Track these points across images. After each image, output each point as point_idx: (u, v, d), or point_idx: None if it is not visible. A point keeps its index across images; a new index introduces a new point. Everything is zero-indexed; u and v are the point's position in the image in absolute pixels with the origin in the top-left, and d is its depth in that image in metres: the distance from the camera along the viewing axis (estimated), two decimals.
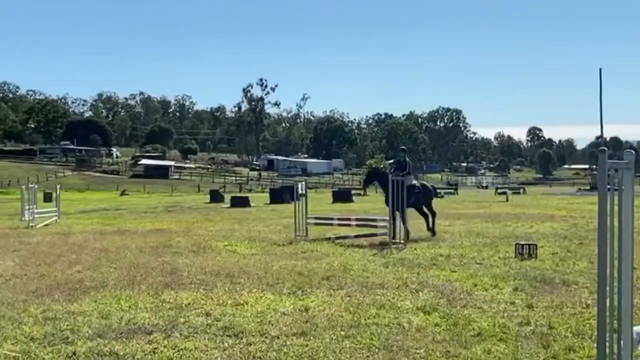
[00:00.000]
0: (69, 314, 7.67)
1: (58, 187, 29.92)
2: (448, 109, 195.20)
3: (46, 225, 23.85)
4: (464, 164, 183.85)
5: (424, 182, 20.01)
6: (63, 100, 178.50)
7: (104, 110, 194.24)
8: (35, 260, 13.06)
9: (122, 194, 71.30)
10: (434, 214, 18.10)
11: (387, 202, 16.69)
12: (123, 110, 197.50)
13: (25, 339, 6.48)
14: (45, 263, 12.52)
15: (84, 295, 8.93)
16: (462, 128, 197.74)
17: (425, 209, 18.16)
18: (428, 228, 17.79)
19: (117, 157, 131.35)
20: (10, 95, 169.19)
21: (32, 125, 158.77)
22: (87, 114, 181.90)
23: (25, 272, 11.36)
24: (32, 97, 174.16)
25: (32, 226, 22.60)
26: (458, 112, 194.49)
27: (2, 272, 11.33)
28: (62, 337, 6.63)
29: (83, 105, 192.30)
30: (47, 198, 39.54)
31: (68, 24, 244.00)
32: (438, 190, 37.80)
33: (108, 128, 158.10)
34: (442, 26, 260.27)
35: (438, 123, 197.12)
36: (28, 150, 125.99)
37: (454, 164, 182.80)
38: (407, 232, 16.28)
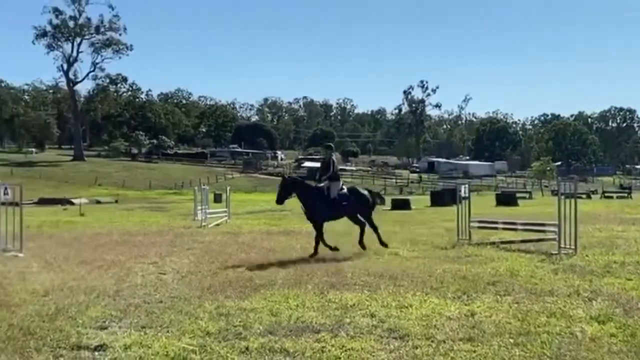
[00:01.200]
0: (241, 311, 8.00)
1: (228, 188, 31.36)
2: (621, 109, 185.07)
3: (217, 225, 25.05)
4: (639, 166, 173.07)
5: (357, 188, 16.05)
6: (232, 106, 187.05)
7: (269, 115, 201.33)
8: (208, 258, 13.74)
9: None
10: (374, 228, 15.05)
11: (311, 218, 14.49)
12: (287, 115, 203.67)
13: (202, 334, 6.83)
14: (217, 261, 13.14)
15: (254, 293, 9.27)
16: (637, 128, 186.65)
17: (360, 219, 15.00)
18: (360, 241, 14.83)
19: (281, 159, 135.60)
20: (184, 102, 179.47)
21: (204, 130, 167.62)
22: (254, 119, 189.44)
23: (199, 269, 11.99)
24: (203, 103, 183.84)
25: (204, 226, 23.81)
26: (632, 111, 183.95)
27: (178, 269, 12.02)
28: (235, 332, 6.92)
29: (250, 109, 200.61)
30: (217, 199, 41.48)
31: (234, 27, 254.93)
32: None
33: (273, 132, 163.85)
34: (607, 26, 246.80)
35: (610, 123, 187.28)
36: (200, 154, 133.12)
37: (627, 166, 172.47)
38: (331, 248, 14.26)
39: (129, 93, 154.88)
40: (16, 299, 8.60)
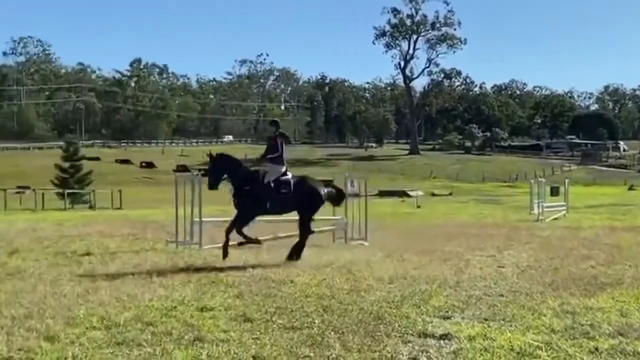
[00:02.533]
0: (586, 309, 7.58)
1: (566, 181, 30.10)
2: None
3: (555, 219, 24.19)
4: None
5: (309, 180, 12.70)
6: (569, 95, 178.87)
7: (610, 103, 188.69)
8: (547, 253, 13.29)
9: (630, 188, 68.19)
10: (302, 232, 12.11)
11: (240, 200, 11.80)
12: (631, 102, 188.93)
13: (547, 330, 6.60)
14: (558, 256, 12.64)
15: (600, 291, 8.73)
16: None
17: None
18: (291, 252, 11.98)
19: (624, 150, 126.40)
20: (518, 92, 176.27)
21: (539, 121, 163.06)
22: (593, 107, 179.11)
23: (540, 264, 11.64)
24: (538, 93, 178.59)
25: (541, 219, 23.14)
26: None
27: (517, 263, 11.81)
28: (582, 331, 6.58)
29: (589, 98, 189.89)
30: (554, 192, 40.06)
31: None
32: None
33: (614, 121, 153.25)
34: None
35: None
36: (534, 146, 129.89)
37: None
38: (252, 241, 12.12)
39: (463, 86, 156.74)
40: (364, 285, 9.16)
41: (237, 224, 11.75)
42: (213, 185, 11.78)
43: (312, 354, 5.83)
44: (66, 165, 58.18)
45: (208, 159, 12.02)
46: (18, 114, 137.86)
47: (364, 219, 16.31)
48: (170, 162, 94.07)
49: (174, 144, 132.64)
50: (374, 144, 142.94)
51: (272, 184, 11.74)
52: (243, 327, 6.74)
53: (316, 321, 6.97)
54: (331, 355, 5.81)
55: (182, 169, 77.11)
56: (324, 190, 12.37)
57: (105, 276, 9.87)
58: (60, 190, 50.39)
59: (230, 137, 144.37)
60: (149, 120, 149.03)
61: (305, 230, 12.11)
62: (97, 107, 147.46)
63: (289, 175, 12.15)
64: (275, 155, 12.05)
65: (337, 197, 13.24)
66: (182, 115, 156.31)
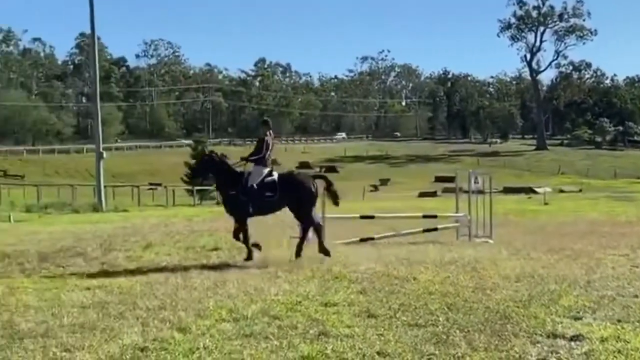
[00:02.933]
0: None
1: None
2: None
3: None
4: None
5: (295, 175, 12.67)
6: None
7: None
8: None
9: None
10: (304, 229, 11.78)
11: (226, 204, 11.81)
12: None
13: None
14: None
15: None
16: None
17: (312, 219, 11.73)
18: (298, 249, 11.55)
19: None
20: None
21: None
22: None
23: None
24: None
25: None
26: None
27: None
28: None
29: None
30: None
31: None
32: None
33: None
34: None
35: None
36: None
37: None
38: (249, 252, 11.48)
39: (593, 79, 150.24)
40: (489, 283, 8.97)
41: (239, 228, 11.63)
42: (194, 177, 12.90)
43: (437, 352, 5.77)
44: (194, 163, 60.43)
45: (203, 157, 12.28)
46: (150, 114, 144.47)
47: (489, 215, 15.98)
48: (292, 160, 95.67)
49: (296, 142, 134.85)
50: (498, 140, 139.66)
51: (255, 187, 11.38)
52: (367, 323, 6.77)
53: (440, 319, 6.89)
54: (457, 353, 5.73)
55: (304, 166, 78.24)
56: (314, 186, 11.83)
57: (233, 270, 10.18)
58: (190, 187, 52.35)
59: (343, 135, 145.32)
60: (272, 119, 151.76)
61: (305, 226, 11.81)
62: (224, 107, 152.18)
63: (275, 175, 11.69)
64: (257, 156, 11.70)
65: (331, 194, 12.35)
66: (304, 113, 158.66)
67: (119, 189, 48.37)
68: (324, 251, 11.47)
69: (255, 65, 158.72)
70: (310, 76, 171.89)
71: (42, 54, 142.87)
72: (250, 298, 7.94)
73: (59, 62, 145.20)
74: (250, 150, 12.09)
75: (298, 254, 11.40)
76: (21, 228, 20.63)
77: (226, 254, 12.22)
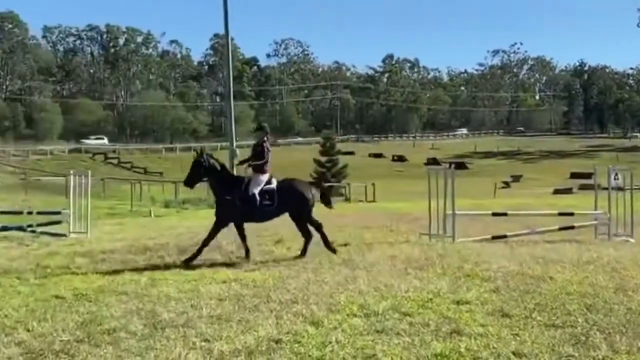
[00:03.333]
0: None
1: None
2: None
3: None
4: None
5: (294, 183, 12.05)
6: None
7: None
8: None
9: None
10: (306, 234, 11.70)
11: (219, 213, 11.66)
12: None
13: None
14: None
15: None
16: None
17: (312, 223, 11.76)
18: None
19: None
20: None
21: None
22: None
23: None
24: None
25: None
26: None
27: None
28: None
29: None
30: None
31: None
32: None
33: None
34: None
35: None
36: None
37: None
38: (247, 251, 11.52)
39: None
40: (631, 284, 8.54)
41: (212, 232, 11.62)
42: (188, 183, 11.71)
43: (576, 354, 5.57)
44: (324, 159, 61.18)
45: (196, 157, 11.76)
46: (280, 112, 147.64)
47: (630, 213, 15.18)
48: (421, 156, 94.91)
49: (424, 138, 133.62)
50: (638, 134, 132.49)
51: (257, 196, 11.34)
52: (501, 322, 6.61)
53: (579, 320, 6.64)
54: (597, 356, 5.51)
55: (432, 162, 77.45)
56: (311, 193, 11.85)
57: (363, 266, 10.22)
58: None
59: (464, 131, 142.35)
60: (400, 115, 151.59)
61: (307, 233, 11.71)
62: (351, 103, 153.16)
63: (273, 184, 11.63)
64: (260, 162, 11.57)
65: (324, 200, 12.44)
66: (433, 109, 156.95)
67: None
68: (331, 249, 11.62)
69: (383, 61, 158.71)
70: (439, 71, 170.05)
71: (179, 56, 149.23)
72: (381, 294, 7.95)
73: (195, 63, 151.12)
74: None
75: (303, 254, 11.48)
76: (161, 222, 21.64)
77: (355, 249, 12.28)
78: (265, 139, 11.86)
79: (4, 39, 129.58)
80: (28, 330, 6.57)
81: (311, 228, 11.77)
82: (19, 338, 6.29)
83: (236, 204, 11.25)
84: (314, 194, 12.01)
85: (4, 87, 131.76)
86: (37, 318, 7.05)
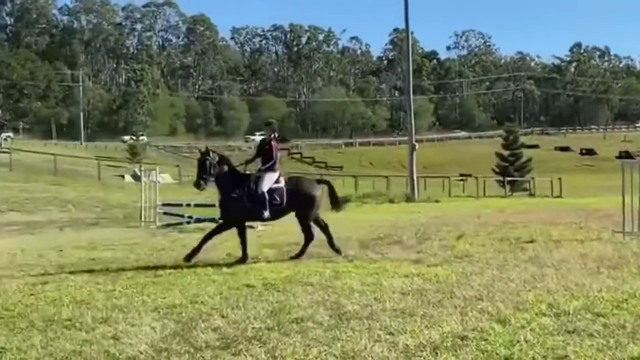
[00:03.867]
0: None
1: None
2: None
3: None
4: None
5: (302, 180, 11.78)
6: None
7: None
8: None
9: None
10: (307, 235, 11.21)
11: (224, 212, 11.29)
12: None
13: None
14: None
15: None
16: None
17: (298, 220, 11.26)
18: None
19: None
20: None
21: None
22: None
23: None
24: None
25: None
26: None
27: None
28: None
29: None
30: None
31: None
32: None
33: None
34: None
35: None
36: None
37: None
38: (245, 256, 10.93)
39: None
40: None
41: (217, 230, 11.34)
42: (198, 185, 11.06)
43: None
44: (506, 153, 59.57)
45: (201, 155, 11.17)
46: (460, 105, 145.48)
47: None
48: (612, 149, 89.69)
49: (615, 130, 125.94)
50: None
51: (266, 194, 10.88)
52: None
53: None
54: None
55: (625, 155, 72.87)
56: (318, 192, 11.32)
57: (551, 264, 9.81)
58: (501, 178, 51.74)
59: None
60: (588, 106, 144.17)
61: (309, 234, 11.19)
62: (536, 95, 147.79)
63: (282, 183, 11.17)
64: (270, 163, 11.08)
65: (332, 200, 11.89)
66: (625, 99, 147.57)
67: (429, 180, 49.39)
68: (336, 250, 11.20)
69: (571, 50, 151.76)
70: (632, 59, 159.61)
71: (358, 52, 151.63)
72: (571, 293, 7.59)
73: (374, 59, 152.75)
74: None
75: (300, 254, 11.10)
76: (340, 216, 22.02)
77: (542, 246, 11.82)
78: (273, 135, 11.48)
79: (197, 41, 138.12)
80: (223, 317, 6.94)
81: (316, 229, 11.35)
82: (215, 324, 6.66)
83: (244, 202, 10.88)
84: (322, 193, 11.58)
85: (197, 86, 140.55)
86: (230, 305, 7.43)
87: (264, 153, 11.23)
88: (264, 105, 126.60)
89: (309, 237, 11.20)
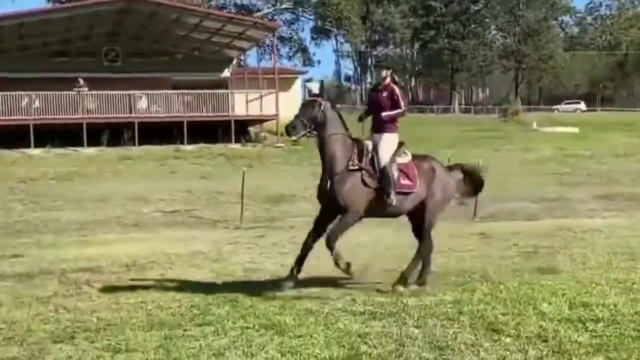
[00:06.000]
0: None
1: None
2: None
3: None
4: None
5: (432, 159, 7.66)
6: None
7: None
8: None
9: None
10: (422, 243, 7.40)
11: (323, 186, 7.14)
12: None
13: None
14: None
15: None
16: None
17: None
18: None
19: None
20: None
21: None
22: None
23: None
24: None
25: None
26: None
27: None
28: None
29: None
30: None
31: None
32: None
33: None
34: None
35: None
36: None
37: None
38: (339, 264, 6.99)
39: None
40: None
41: (339, 229, 7.18)
42: (289, 131, 7.23)
43: None
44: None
45: (311, 95, 7.60)
46: None
47: None
48: None
49: None
50: None
51: (392, 171, 7.12)
52: None
53: None
54: None
55: None
56: (454, 178, 7.83)
57: None
58: None
59: None
60: None
61: (426, 241, 7.49)
62: None
63: (409, 154, 7.42)
64: (396, 112, 7.34)
65: (474, 187, 8.18)
66: None
67: None
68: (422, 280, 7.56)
69: None
70: None
71: None
72: None
73: None
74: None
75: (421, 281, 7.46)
76: None
77: None
78: (392, 80, 7.59)
79: None
80: None
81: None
82: None
83: (364, 182, 7.16)
84: (456, 180, 7.97)
85: None
86: None
87: (374, 107, 7.56)
88: None
89: (425, 247, 7.56)
